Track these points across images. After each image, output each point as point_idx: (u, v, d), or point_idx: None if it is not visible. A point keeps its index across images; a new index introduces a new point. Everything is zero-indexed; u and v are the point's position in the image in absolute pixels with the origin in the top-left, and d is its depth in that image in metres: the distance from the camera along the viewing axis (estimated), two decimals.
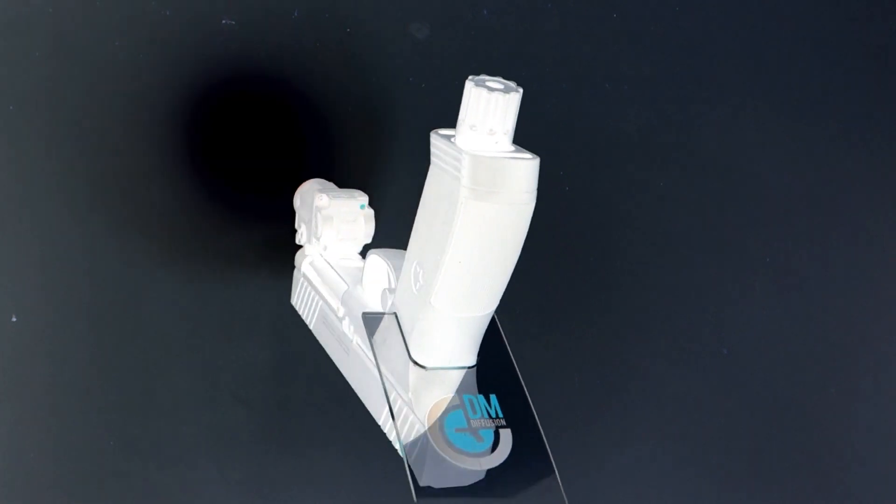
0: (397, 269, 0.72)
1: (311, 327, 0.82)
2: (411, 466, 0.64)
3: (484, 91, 0.59)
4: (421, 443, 0.65)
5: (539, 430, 0.71)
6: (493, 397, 0.70)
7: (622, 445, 0.87)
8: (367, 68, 0.92)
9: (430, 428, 0.66)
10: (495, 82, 0.60)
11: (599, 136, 0.87)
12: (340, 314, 0.76)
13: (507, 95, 0.59)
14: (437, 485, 0.64)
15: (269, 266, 0.91)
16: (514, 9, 0.91)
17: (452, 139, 0.61)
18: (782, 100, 0.89)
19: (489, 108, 0.59)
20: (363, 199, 0.82)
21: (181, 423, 0.91)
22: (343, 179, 0.92)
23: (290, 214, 0.90)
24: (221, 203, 0.90)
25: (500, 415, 0.70)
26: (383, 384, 0.68)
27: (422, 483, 0.63)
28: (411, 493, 0.62)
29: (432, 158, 0.62)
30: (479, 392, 0.69)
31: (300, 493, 0.91)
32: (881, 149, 0.87)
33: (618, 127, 0.88)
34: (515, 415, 0.70)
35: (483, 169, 0.59)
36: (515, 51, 0.91)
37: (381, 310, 0.72)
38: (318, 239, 0.82)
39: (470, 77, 0.60)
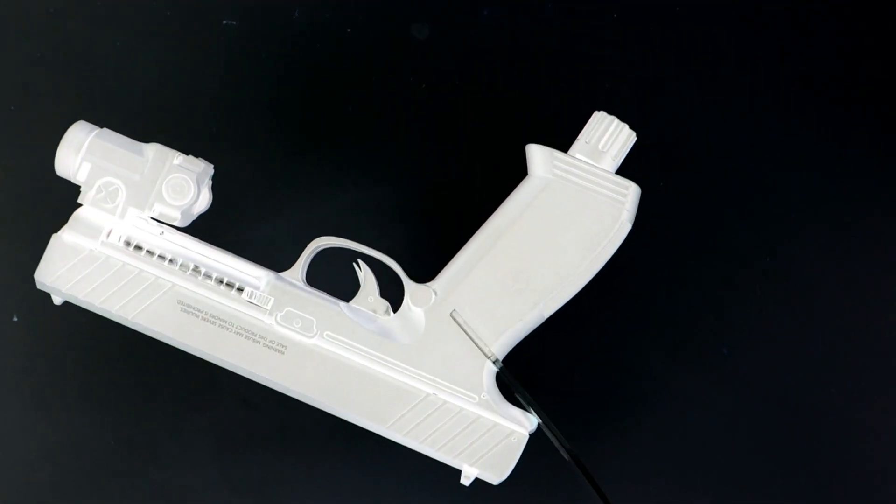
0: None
1: (128, 317, 0.72)
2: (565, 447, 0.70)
3: (632, 133, 0.70)
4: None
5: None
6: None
7: (620, 444, 0.87)
8: (368, 68, 0.92)
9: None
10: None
11: None
12: (268, 306, 0.71)
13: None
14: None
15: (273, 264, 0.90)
16: (514, 8, 0.91)
17: (600, 166, 0.70)
18: (782, 99, 0.89)
19: (627, 147, 0.71)
20: (211, 168, 0.73)
21: (181, 423, 0.91)
22: (343, 179, 0.92)
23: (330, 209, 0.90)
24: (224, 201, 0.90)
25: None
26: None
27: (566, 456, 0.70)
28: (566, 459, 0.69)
29: (562, 175, 0.69)
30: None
31: (300, 493, 0.91)
32: (883, 148, 0.87)
33: None
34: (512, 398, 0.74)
35: (637, 199, 0.70)
36: (515, 51, 0.91)
37: (404, 305, 0.71)
38: (167, 202, 0.70)
39: (604, 112, 0.70)
